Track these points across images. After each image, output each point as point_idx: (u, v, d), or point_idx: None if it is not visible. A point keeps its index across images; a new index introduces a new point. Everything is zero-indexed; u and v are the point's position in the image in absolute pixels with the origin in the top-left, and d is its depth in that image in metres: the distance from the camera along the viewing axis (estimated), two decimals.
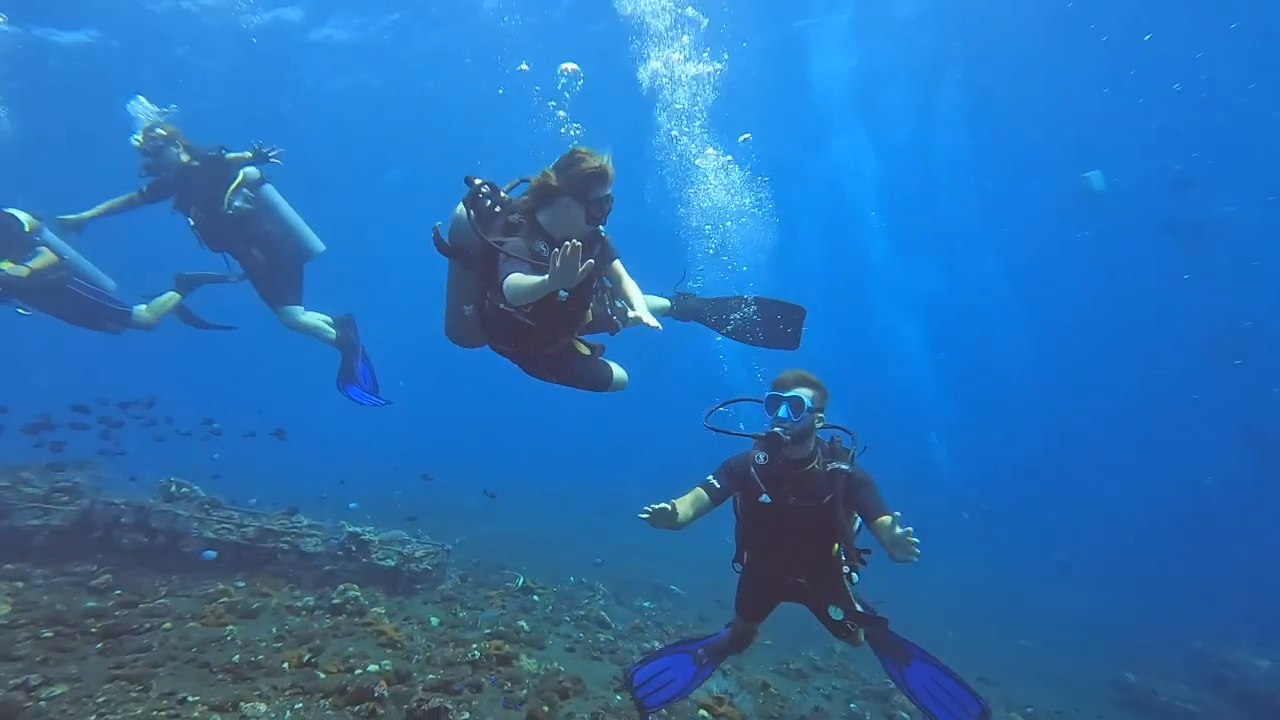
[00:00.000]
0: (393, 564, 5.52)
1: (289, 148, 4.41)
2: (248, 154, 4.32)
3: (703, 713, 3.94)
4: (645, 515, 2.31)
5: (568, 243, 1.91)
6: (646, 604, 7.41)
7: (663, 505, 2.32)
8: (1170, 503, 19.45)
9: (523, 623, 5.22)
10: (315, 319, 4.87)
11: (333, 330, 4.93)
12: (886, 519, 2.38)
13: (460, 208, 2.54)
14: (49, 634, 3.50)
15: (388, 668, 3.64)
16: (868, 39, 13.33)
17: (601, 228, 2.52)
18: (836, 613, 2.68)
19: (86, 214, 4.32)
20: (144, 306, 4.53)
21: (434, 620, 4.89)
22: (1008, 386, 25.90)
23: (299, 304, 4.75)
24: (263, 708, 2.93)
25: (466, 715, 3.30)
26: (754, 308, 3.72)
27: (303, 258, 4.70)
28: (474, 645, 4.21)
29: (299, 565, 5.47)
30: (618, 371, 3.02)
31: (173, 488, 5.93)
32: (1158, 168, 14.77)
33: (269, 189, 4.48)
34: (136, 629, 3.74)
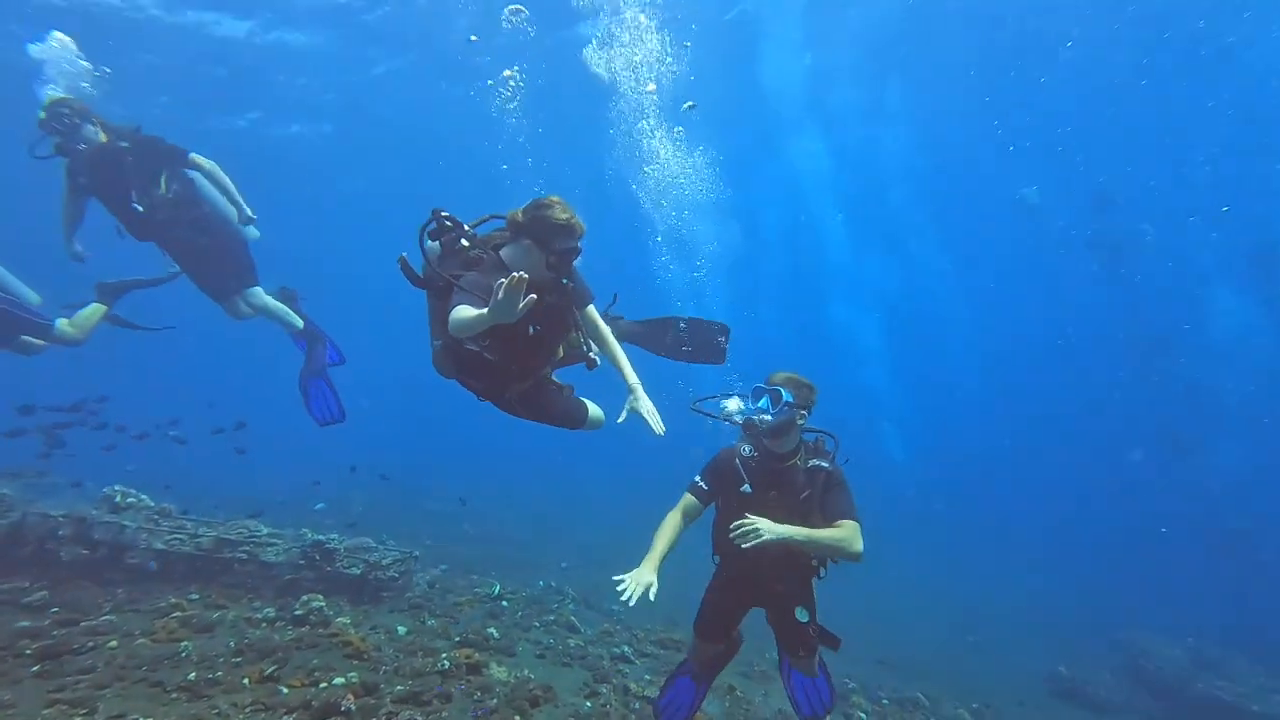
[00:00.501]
0: (358, 572, 5.38)
1: (252, 150, 4.28)
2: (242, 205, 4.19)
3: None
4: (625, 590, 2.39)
5: (514, 274, 1.87)
6: (615, 607, 7.44)
7: (648, 583, 2.42)
8: (1102, 497, 20.86)
9: (492, 629, 5.18)
10: (276, 302, 4.68)
11: (299, 320, 4.76)
12: (848, 523, 2.53)
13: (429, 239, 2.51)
14: None
15: (354, 680, 3.56)
16: (817, 42, 13.86)
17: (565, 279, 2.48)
18: (803, 614, 2.79)
19: (70, 240, 4.06)
20: (66, 320, 4.12)
21: (401, 629, 4.80)
22: (957, 382, 27.26)
23: (258, 284, 4.55)
24: None
25: None
26: (683, 326, 3.81)
27: (243, 239, 4.48)
28: (443, 655, 4.15)
29: (257, 575, 5.27)
30: (593, 409, 3.01)
31: (118, 497, 5.61)
32: (1085, 183, 15.91)
33: (193, 172, 4.23)
34: (78, 649, 3.53)
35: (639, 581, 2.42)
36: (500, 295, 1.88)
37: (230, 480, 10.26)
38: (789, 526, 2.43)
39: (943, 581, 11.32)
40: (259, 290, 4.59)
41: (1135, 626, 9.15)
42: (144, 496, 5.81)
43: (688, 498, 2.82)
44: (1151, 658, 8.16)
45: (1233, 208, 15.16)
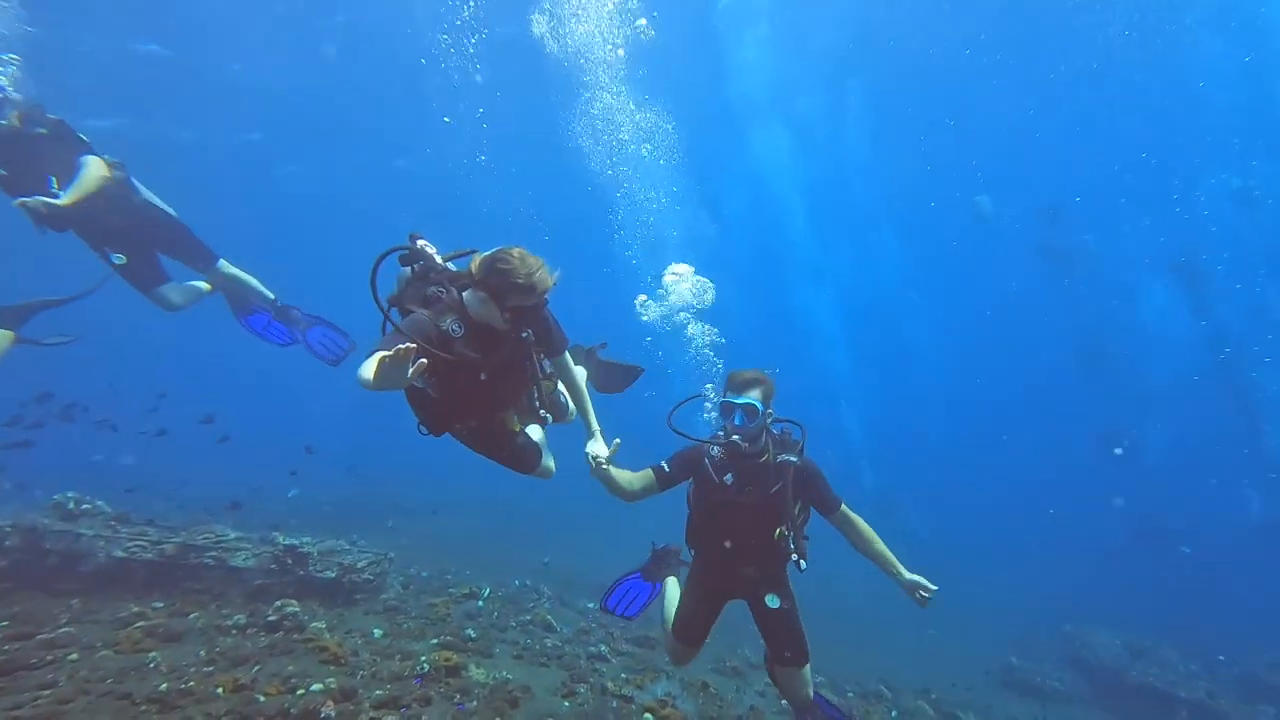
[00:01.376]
0: (333, 575, 5.31)
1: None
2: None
3: (648, 715, 4.12)
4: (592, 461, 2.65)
5: (399, 346, 1.79)
6: (590, 604, 7.53)
7: (605, 464, 2.66)
8: (1050, 493, 22.06)
9: (470, 630, 5.19)
10: (244, 272, 4.59)
11: (268, 291, 4.67)
12: (845, 510, 2.76)
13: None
14: None
15: (332, 686, 3.54)
16: (782, 41, 14.30)
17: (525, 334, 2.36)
18: (773, 600, 2.86)
19: None
20: None
21: (377, 632, 4.77)
22: (912, 368, 28.41)
23: (219, 257, 4.47)
24: None
25: None
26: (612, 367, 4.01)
27: (181, 220, 4.37)
28: (422, 657, 4.16)
29: (224, 581, 5.14)
30: (548, 459, 2.99)
31: (70, 504, 5.36)
32: (1036, 193, 16.89)
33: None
34: (35, 663, 3.41)
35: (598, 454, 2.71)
36: (387, 363, 1.80)
37: (194, 474, 9.96)
38: (901, 575, 2.73)
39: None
40: (224, 261, 4.51)
41: (1080, 619, 9.75)
42: (100, 502, 5.58)
43: (647, 471, 2.88)
44: (1092, 649, 8.73)
45: (1162, 219, 16.40)
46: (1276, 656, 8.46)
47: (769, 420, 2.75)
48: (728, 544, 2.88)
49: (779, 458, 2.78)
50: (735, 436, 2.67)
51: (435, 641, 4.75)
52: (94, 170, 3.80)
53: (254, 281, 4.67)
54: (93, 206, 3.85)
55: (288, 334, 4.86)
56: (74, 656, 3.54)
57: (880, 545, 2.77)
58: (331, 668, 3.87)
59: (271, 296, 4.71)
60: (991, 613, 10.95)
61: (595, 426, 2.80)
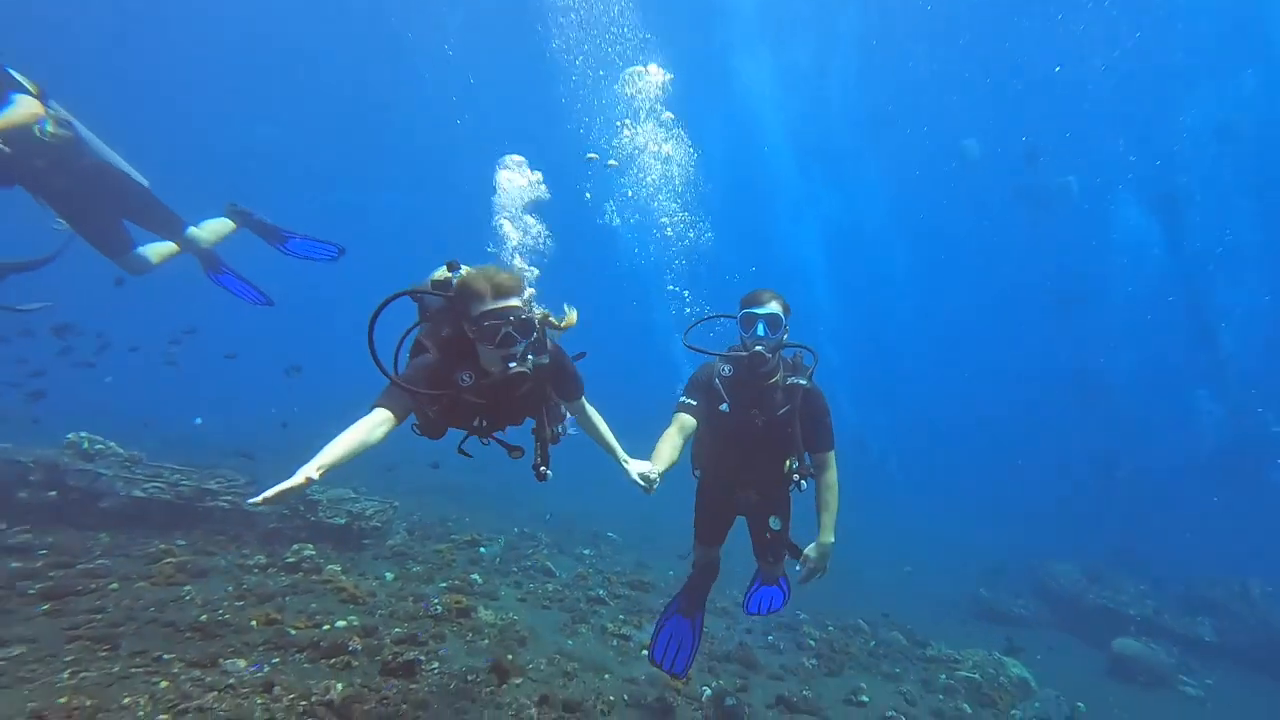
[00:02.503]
0: (343, 522, 5.59)
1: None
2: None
3: (644, 652, 4.52)
4: (644, 485, 2.40)
5: (274, 490, 1.71)
6: (586, 551, 7.97)
7: (654, 479, 2.42)
8: (1022, 435, 22.99)
9: (475, 575, 5.55)
10: (211, 228, 4.40)
11: (230, 220, 4.51)
12: (829, 457, 2.88)
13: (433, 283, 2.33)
14: None
15: (354, 623, 3.85)
16: None
17: (513, 364, 2.09)
18: (775, 522, 3.00)
19: None
20: None
21: (388, 575, 5.10)
22: (891, 305, 28.81)
23: (187, 225, 4.29)
24: (241, 663, 3.08)
25: (436, 665, 3.63)
26: None
27: (143, 184, 4.12)
28: (434, 600, 4.49)
29: (239, 524, 5.41)
30: None
31: (84, 444, 5.51)
32: (1017, 135, 16.77)
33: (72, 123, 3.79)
34: (81, 590, 3.66)
35: (644, 473, 2.43)
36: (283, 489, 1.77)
37: (200, 406, 10.10)
38: (827, 538, 2.83)
39: (880, 515, 12.13)
40: (194, 230, 4.31)
41: (1045, 552, 10.48)
42: (112, 443, 5.73)
43: (682, 416, 2.76)
44: (1055, 577, 9.49)
45: (1141, 156, 16.41)
46: (1216, 573, 9.24)
47: (785, 337, 2.71)
48: (732, 465, 2.96)
49: (789, 380, 2.79)
50: (759, 348, 2.60)
51: (444, 585, 5.10)
52: (23, 106, 3.46)
53: (222, 226, 4.46)
54: (29, 157, 3.59)
55: (260, 296, 4.75)
56: (115, 586, 3.80)
57: (832, 501, 2.87)
58: (351, 606, 4.18)
59: (234, 225, 4.49)
60: (962, 548, 11.68)
61: (623, 455, 2.63)
